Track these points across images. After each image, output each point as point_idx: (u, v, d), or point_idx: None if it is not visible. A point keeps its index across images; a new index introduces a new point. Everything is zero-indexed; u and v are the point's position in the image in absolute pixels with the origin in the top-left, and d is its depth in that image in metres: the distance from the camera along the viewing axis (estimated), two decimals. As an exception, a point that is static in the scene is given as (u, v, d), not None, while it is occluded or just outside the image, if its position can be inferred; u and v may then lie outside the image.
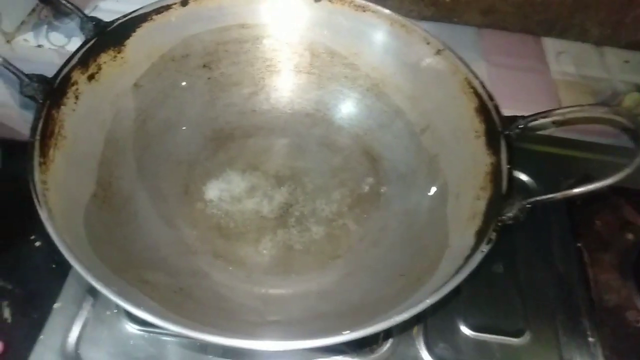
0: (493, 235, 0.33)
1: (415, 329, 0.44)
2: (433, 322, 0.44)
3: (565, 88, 0.65)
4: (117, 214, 0.39)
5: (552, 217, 0.53)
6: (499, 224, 0.33)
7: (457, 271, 0.32)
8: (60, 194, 0.34)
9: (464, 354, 0.43)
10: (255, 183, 0.48)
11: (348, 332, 0.29)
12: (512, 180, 0.36)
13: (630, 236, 0.50)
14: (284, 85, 0.52)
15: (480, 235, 0.34)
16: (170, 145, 0.47)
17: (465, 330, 0.45)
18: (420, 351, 0.43)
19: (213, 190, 0.47)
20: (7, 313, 0.44)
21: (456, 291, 0.31)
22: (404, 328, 0.44)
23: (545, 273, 0.49)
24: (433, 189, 0.43)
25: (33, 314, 0.43)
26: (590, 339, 0.44)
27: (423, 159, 0.46)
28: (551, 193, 0.34)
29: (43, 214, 0.31)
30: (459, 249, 0.35)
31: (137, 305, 0.28)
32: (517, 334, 0.45)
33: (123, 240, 0.38)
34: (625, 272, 0.47)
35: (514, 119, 0.39)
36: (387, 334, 0.43)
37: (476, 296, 0.46)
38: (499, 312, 0.46)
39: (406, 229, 0.42)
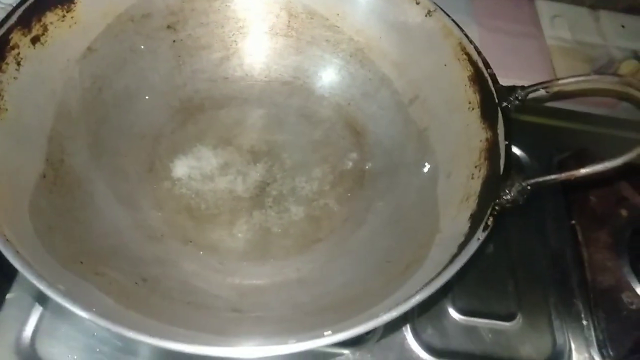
0: (490, 221, 0.30)
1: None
2: (420, 306, 0.42)
3: (560, 54, 0.61)
4: (70, 197, 0.35)
5: (546, 192, 0.50)
6: (496, 207, 0.30)
7: (450, 261, 0.28)
8: (1, 179, 0.29)
9: (453, 340, 0.41)
10: (228, 159, 0.44)
11: (329, 332, 0.26)
12: (510, 158, 0.32)
13: (624, 212, 0.48)
14: (259, 49, 0.47)
15: (475, 220, 0.31)
16: (132, 116, 0.42)
17: (454, 314, 0.42)
18: (407, 337, 0.40)
19: (181, 168, 0.42)
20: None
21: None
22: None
23: (538, 253, 0.47)
24: (423, 166, 0.40)
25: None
26: (584, 322, 0.43)
27: (411, 132, 0.42)
28: (546, 169, 0.31)
29: (-27, 203, 0.26)
30: (452, 234, 0.32)
31: (87, 308, 0.24)
32: (508, 317, 0.43)
33: (78, 226, 0.33)
34: (620, 251, 0.44)
35: (512, 89, 0.35)
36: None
37: (465, 278, 0.44)
38: (490, 294, 0.44)
39: (393, 210, 0.39)
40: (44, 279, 0.25)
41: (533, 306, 0.44)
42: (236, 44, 0.46)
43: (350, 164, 0.44)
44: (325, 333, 0.26)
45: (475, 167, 0.35)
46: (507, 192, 0.31)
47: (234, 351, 0.24)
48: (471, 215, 0.32)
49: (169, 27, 0.43)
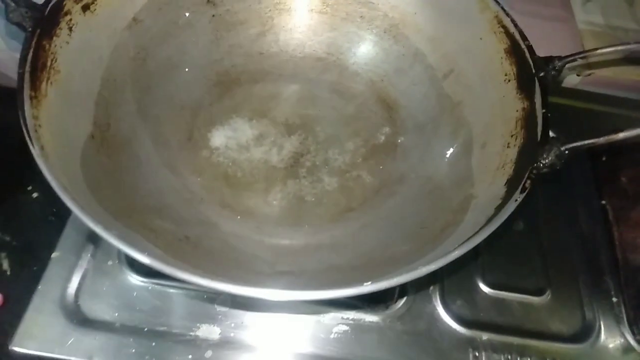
0: (528, 184, 0.30)
1: (431, 287, 0.42)
2: (450, 279, 0.42)
3: (591, 38, 0.61)
4: (116, 158, 0.36)
5: (576, 172, 0.50)
6: (534, 171, 0.31)
7: (488, 221, 0.29)
8: (54, 132, 0.31)
9: (482, 312, 0.42)
10: (263, 131, 0.45)
11: (369, 283, 0.26)
12: (548, 125, 0.33)
13: (656, 193, 0.47)
14: (294, 25, 0.48)
15: (511, 185, 0.32)
16: (172, 88, 0.44)
17: (483, 287, 0.43)
18: (437, 308, 0.41)
19: (219, 138, 0.44)
20: (5, 265, 0.42)
21: (474, 250, 0.28)
22: (420, 286, 0.42)
23: (568, 231, 0.47)
24: (456, 139, 0.40)
25: (32, 265, 0.41)
26: (614, 299, 0.43)
27: (445, 106, 0.43)
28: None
29: (35, 151, 0.28)
30: (488, 199, 0.32)
31: (142, 251, 0.26)
32: (537, 292, 0.43)
33: (124, 185, 0.35)
34: (653, 230, 0.44)
35: (549, 59, 0.36)
36: (402, 291, 0.41)
37: (495, 254, 0.44)
38: (519, 270, 0.44)
39: (425, 181, 0.40)
40: (101, 222, 0.26)
41: (562, 282, 0.44)
42: (272, 20, 0.48)
43: (383, 137, 0.45)
44: (365, 283, 0.26)
45: (512, 136, 0.35)
46: (545, 156, 0.31)
47: (274, 293, 0.25)
48: (508, 180, 0.32)
49: (209, 1, 0.45)
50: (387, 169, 0.43)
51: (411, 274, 0.26)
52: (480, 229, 0.29)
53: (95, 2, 0.38)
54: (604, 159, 0.51)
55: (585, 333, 0.42)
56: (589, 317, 0.42)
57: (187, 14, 0.44)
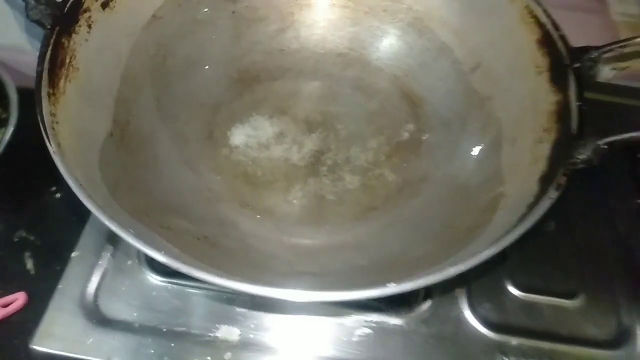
0: (563, 180, 0.28)
1: (457, 289, 0.40)
2: (478, 281, 0.41)
3: (627, 30, 0.58)
4: (136, 156, 0.36)
5: (612, 170, 0.48)
6: (570, 167, 0.29)
7: (520, 220, 0.27)
8: (71, 130, 0.31)
9: (511, 315, 0.40)
10: (283, 129, 0.44)
11: (393, 284, 0.25)
12: (584, 118, 0.31)
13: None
14: (315, 21, 0.47)
15: (545, 181, 0.30)
16: (192, 85, 0.43)
17: (512, 290, 0.41)
18: (464, 311, 0.39)
19: (239, 136, 0.43)
20: (29, 264, 0.42)
21: (503, 250, 0.27)
22: (445, 288, 0.40)
23: (603, 232, 0.44)
24: (485, 136, 0.39)
25: (55, 265, 0.41)
26: (654, 304, 0.40)
27: (472, 102, 0.41)
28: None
29: (52, 148, 0.27)
30: (519, 197, 0.31)
31: (158, 249, 0.25)
32: (570, 295, 0.41)
33: (143, 183, 0.34)
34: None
35: (584, 50, 0.34)
36: (427, 293, 0.39)
37: (525, 255, 0.42)
38: (550, 272, 0.42)
39: (451, 179, 0.38)
40: (117, 221, 0.25)
41: (597, 285, 0.41)
42: (293, 16, 0.47)
43: (407, 135, 0.44)
44: (389, 284, 0.25)
45: (544, 130, 0.33)
46: (581, 152, 0.29)
47: (295, 294, 0.24)
48: (541, 177, 0.31)
49: (228, -3, 0.44)
50: (411, 167, 0.41)
51: (437, 275, 0.25)
52: (512, 228, 0.27)
53: (114, 1, 0.37)
54: (641, 155, 0.48)
55: (621, 339, 0.39)
56: (626, 322, 0.40)
57: (207, 10, 0.44)
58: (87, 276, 0.39)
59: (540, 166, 0.31)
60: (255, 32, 0.46)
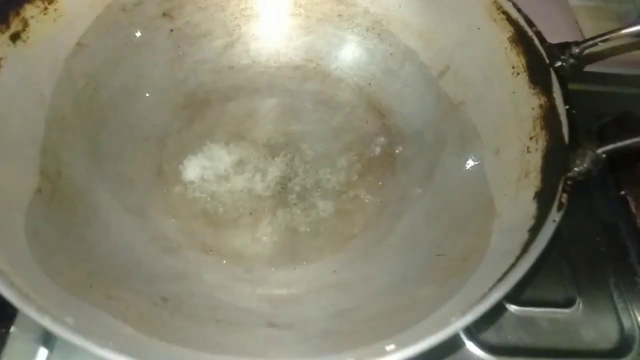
0: (564, 198, 0.25)
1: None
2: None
3: (585, 14, 0.57)
4: (72, 212, 0.31)
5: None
6: (568, 182, 0.26)
7: (524, 249, 0.24)
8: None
9: (509, 334, 0.37)
10: (243, 155, 0.39)
11: (392, 347, 0.21)
12: (575, 123, 0.28)
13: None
14: (265, 32, 0.43)
15: (542, 198, 0.27)
16: (132, 118, 0.38)
17: (508, 305, 0.38)
18: (459, 335, 0.36)
19: (193, 169, 0.38)
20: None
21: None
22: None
23: (590, 230, 0.42)
24: (462, 145, 0.36)
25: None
26: (653, 301, 0.38)
27: (444, 108, 0.38)
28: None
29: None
30: (516, 218, 0.28)
31: (102, 342, 0.20)
32: (567, 303, 0.38)
33: (83, 245, 0.29)
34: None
35: (564, 46, 0.31)
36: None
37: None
38: (544, 281, 0.39)
39: (434, 197, 0.35)
40: (48, 312, 0.20)
41: (593, 289, 0.39)
42: (240, 29, 0.42)
43: (378, 149, 0.40)
44: (388, 348, 0.21)
45: (530, 138, 0.30)
46: (579, 162, 0.26)
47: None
48: (536, 193, 0.27)
49: (164, 14, 0.39)
50: (388, 185, 0.38)
51: (444, 330, 0.21)
52: (517, 260, 0.24)
53: (28, 29, 0.32)
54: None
55: (625, 345, 0.37)
56: (627, 325, 0.38)
57: (140, 31, 0.38)
58: (31, 354, 0.33)
59: (533, 180, 0.28)
60: (199, 49, 0.41)
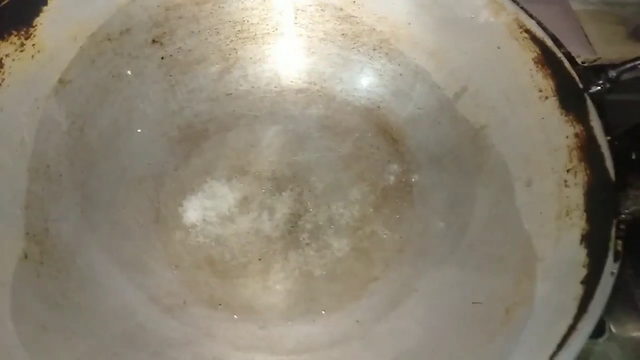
0: (619, 246, 0.23)
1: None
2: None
3: (589, 19, 0.55)
4: (64, 276, 0.27)
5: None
6: (622, 226, 0.23)
7: (583, 308, 0.22)
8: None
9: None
10: (247, 192, 0.36)
11: None
12: (620, 157, 0.25)
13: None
14: (263, 55, 0.40)
15: (591, 244, 0.24)
16: (125, 157, 0.34)
17: None
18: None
19: (193, 211, 0.35)
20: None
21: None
22: None
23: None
24: (486, 174, 0.33)
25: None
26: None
27: (463, 133, 0.35)
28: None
29: None
30: (560, 264, 0.25)
31: None
32: (597, 332, 0.36)
33: (78, 317, 0.26)
34: None
35: (600, 70, 0.28)
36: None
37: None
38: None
39: (458, 233, 0.32)
40: None
41: (620, 311, 0.37)
42: (236, 52, 0.39)
43: (392, 178, 0.37)
44: None
45: (567, 171, 0.28)
46: (630, 203, 0.24)
47: None
48: (583, 236, 0.25)
49: (154, 41, 0.36)
50: (406, 218, 0.35)
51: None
52: (576, 321, 0.21)
53: (3, 70, 0.28)
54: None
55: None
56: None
57: (128, 62, 0.35)
58: None
59: (577, 220, 0.26)
60: (194, 77, 0.38)
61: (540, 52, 0.31)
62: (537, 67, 0.31)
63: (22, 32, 0.29)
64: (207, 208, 0.35)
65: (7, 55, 0.28)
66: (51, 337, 0.23)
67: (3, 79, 0.28)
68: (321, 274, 0.33)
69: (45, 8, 0.30)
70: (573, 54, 0.31)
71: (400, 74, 0.38)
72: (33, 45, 0.30)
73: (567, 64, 0.29)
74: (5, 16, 0.28)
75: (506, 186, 0.31)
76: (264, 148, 0.39)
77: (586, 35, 0.53)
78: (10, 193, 0.27)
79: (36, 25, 0.30)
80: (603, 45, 0.53)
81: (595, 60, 0.51)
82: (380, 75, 0.39)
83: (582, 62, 0.50)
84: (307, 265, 0.33)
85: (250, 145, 0.38)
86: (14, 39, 0.29)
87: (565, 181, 0.28)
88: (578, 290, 0.23)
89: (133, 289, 0.30)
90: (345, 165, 0.38)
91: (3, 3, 0.28)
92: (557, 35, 0.52)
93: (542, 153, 0.30)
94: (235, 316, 0.31)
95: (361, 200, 0.36)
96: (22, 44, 0.29)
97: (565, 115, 0.29)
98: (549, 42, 0.30)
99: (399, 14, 0.37)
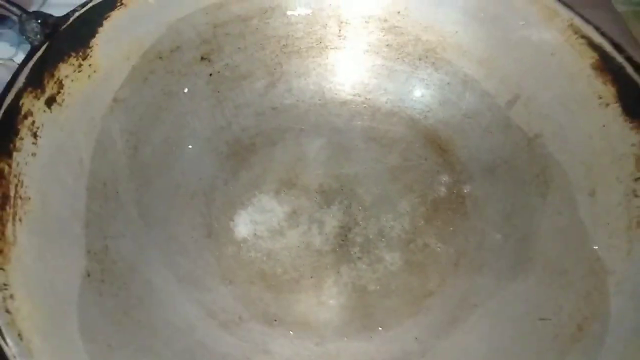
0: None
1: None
2: None
3: (636, 20, 0.53)
4: (125, 293, 0.27)
5: None
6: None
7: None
8: (35, 295, 0.22)
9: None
10: (295, 205, 0.36)
11: None
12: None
13: None
14: (307, 68, 0.40)
15: (670, 256, 0.23)
16: (177, 173, 0.35)
17: None
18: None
19: (244, 226, 0.35)
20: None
21: None
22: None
23: None
24: (545, 183, 0.32)
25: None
26: None
27: (518, 142, 0.34)
28: None
29: (9, 349, 0.19)
30: (635, 278, 0.24)
31: None
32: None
33: (141, 334, 0.26)
34: None
35: (666, 73, 0.27)
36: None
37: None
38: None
39: (521, 245, 0.31)
40: None
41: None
42: (281, 67, 0.39)
43: (443, 189, 0.37)
44: None
45: (636, 180, 0.27)
46: None
47: None
48: (660, 249, 0.24)
49: (202, 58, 0.36)
50: (460, 230, 0.34)
51: None
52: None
53: (63, 91, 0.29)
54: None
55: None
56: None
57: (179, 79, 0.35)
58: None
59: (651, 231, 0.25)
60: (240, 93, 0.38)
61: (598, 58, 0.30)
62: (596, 73, 0.30)
63: (80, 53, 0.30)
64: (257, 222, 0.35)
65: (66, 76, 0.29)
66: (116, 355, 0.24)
67: (63, 99, 0.29)
68: (375, 288, 0.33)
69: (100, 29, 0.31)
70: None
71: (448, 83, 0.38)
72: (89, 65, 0.30)
73: (629, 69, 0.28)
74: (65, 38, 0.29)
75: (567, 196, 0.30)
76: (311, 161, 0.38)
77: (634, 38, 0.52)
78: (72, 212, 0.27)
79: (92, 46, 0.31)
80: (651, 47, 0.52)
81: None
82: (427, 84, 0.39)
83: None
84: (360, 280, 0.33)
85: (297, 158, 0.38)
86: (72, 60, 0.29)
87: (634, 190, 0.27)
88: (660, 306, 0.22)
89: (190, 305, 0.30)
90: (393, 176, 0.37)
91: (63, 27, 0.29)
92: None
93: (605, 162, 0.29)
94: (291, 332, 0.30)
95: (411, 212, 0.36)
96: (80, 65, 0.30)
97: (630, 122, 0.28)
98: (608, 48, 0.29)
99: (445, 23, 0.37)
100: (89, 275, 0.26)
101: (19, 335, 0.19)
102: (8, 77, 0.42)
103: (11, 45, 0.43)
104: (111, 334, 0.24)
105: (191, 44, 0.35)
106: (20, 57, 0.41)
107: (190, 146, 0.36)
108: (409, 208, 0.36)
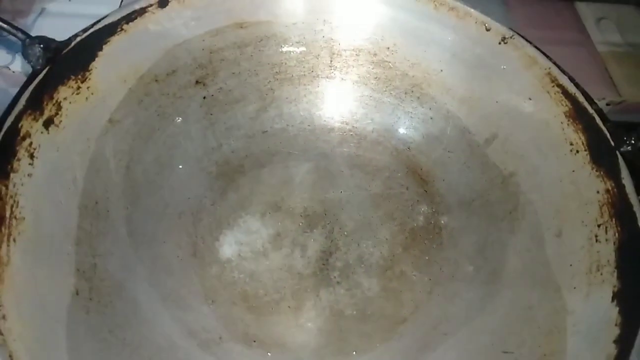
0: (653, 306, 0.23)
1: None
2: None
3: (614, 61, 0.56)
4: (111, 311, 0.28)
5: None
6: (655, 287, 0.24)
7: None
8: (25, 315, 0.23)
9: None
10: (280, 228, 0.37)
11: None
12: (652, 217, 0.26)
13: None
14: (299, 95, 0.41)
15: (624, 302, 0.25)
16: (166, 192, 0.36)
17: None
18: None
19: (229, 246, 0.36)
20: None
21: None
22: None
23: None
24: (516, 220, 0.34)
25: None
26: None
27: (493, 178, 0.36)
28: None
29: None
30: (592, 319, 0.26)
31: None
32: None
33: (124, 351, 0.27)
34: None
35: (631, 128, 0.29)
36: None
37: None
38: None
39: (487, 278, 0.33)
40: None
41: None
42: (273, 92, 0.40)
43: (421, 218, 0.38)
44: None
45: (598, 226, 0.29)
46: (663, 265, 0.24)
47: None
48: (615, 293, 0.26)
49: (197, 82, 0.37)
50: (436, 260, 0.36)
51: None
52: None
53: (60, 113, 0.30)
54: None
55: None
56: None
57: (173, 101, 0.36)
58: None
59: (608, 276, 0.27)
60: (232, 116, 0.39)
61: (571, 107, 0.32)
62: (569, 120, 0.32)
63: (79, 76, 0.31)
64: (242, 243, 0.36)
65: (65, 99, 0.30)
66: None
67: (60, 121, 0.30)
68: (352, 313, 0.34)
69: (100, 53, 0.32)
70: (598, 95, 0.31)
71: (431, 118, 0.40)
72: (87, 88, 0.32)
73: (598, 120, 0.30)
74: (66, 62, 0.30)
75: (536, 235, 0.32)
76: (297, 185, 0.40)
77: (611, 78, 0.54)
78: (64, 230, 0.28)
79: (91, 69, 0.32)
80: (627, 87, 0.54)
81: (620, 102, 0.52)
82: (411, 117, 0.40)
83: (607, 104, 0.51)
84: (338, 304, 0.34)
85: (284, 181, 0.40)
86: (72, 82, 0.31)
87: (596, 236, 0.29)
88: (611, 349, 0.23)
89: (173, 324, 0.31)
90: (375, 204, 0.39)
91: (64, 51, 0.30)
92: (581, 78, 0.54)
93: (572, 205, 0.31)
94: (269, 354, 0.32)
95: (390, 240, 0.37)
96: (79, 87, 0.31)
97: (597, 170, 0.30)
98: (581, 98, 0.31)
99: (431, 61, 0.38)
100: (77, 294, 0.27)
101: (10, 356, 0.20)
102: (4, 85, 0.42)
103: (7, 53, 0.43)
104: (96, 352, 0.25)
105: (187, 68, 0.36)
106: (17, 65, 0.42)
107: (180, 166, 0.37)
108: (388, 235, 0.38)
